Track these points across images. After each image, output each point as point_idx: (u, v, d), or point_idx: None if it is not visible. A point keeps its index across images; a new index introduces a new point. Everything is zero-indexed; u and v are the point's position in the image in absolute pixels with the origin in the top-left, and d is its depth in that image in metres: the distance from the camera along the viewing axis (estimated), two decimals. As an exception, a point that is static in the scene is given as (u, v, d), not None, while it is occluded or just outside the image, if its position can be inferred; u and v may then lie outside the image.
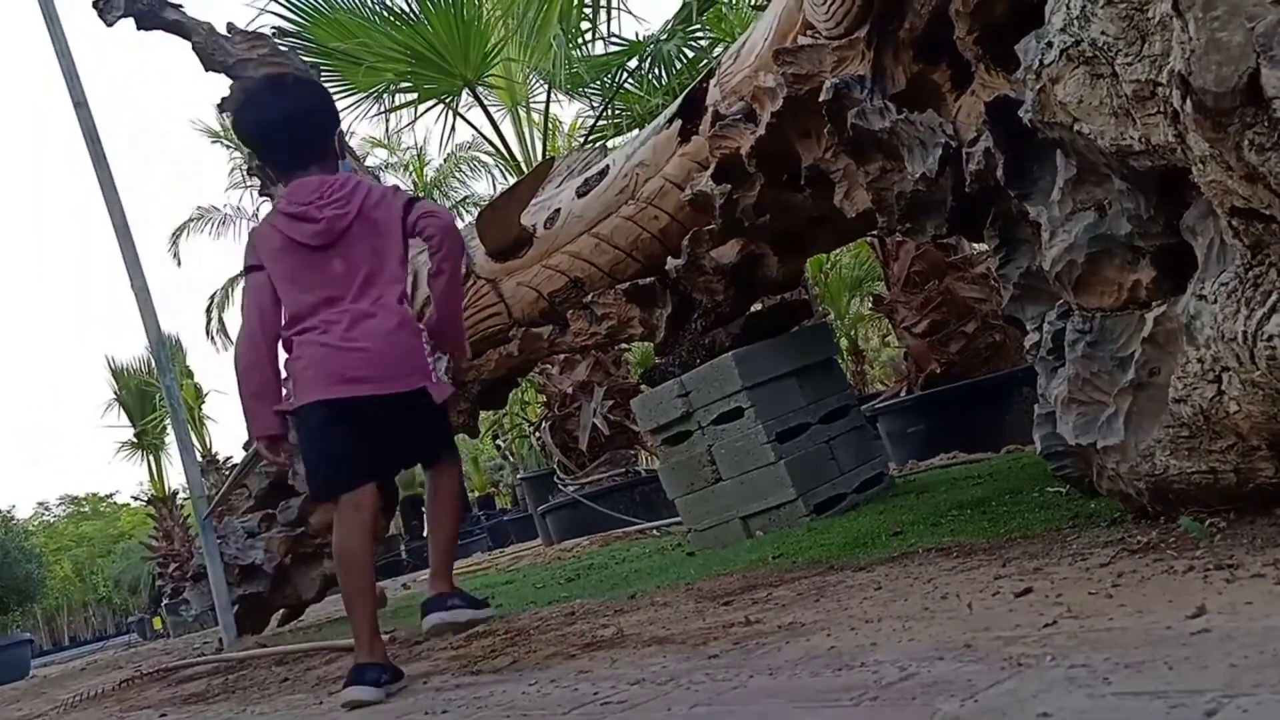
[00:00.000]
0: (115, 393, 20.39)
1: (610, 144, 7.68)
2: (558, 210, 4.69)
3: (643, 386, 4.81)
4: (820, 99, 3.09)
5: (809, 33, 3.40)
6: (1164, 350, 1.87)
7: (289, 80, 3.25)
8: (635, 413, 4.55)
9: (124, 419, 20.57)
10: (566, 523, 8.68)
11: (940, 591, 1.83)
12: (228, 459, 21.43)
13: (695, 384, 4.27)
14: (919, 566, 2.30)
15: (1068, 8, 1.72)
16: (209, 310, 17.10)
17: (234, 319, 18.44)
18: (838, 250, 13.33)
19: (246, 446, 5.67)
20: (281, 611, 5.81)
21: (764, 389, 4.16)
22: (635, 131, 4.75)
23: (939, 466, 5.12)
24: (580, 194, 4.64)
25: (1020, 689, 1.12)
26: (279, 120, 2.84)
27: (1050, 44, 1.81)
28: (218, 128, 15.66)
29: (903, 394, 6.29)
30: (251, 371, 2.78)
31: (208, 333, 17.37)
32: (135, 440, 20.34)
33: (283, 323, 2.76)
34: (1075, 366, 2.09)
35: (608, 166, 4.59)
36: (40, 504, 50.30)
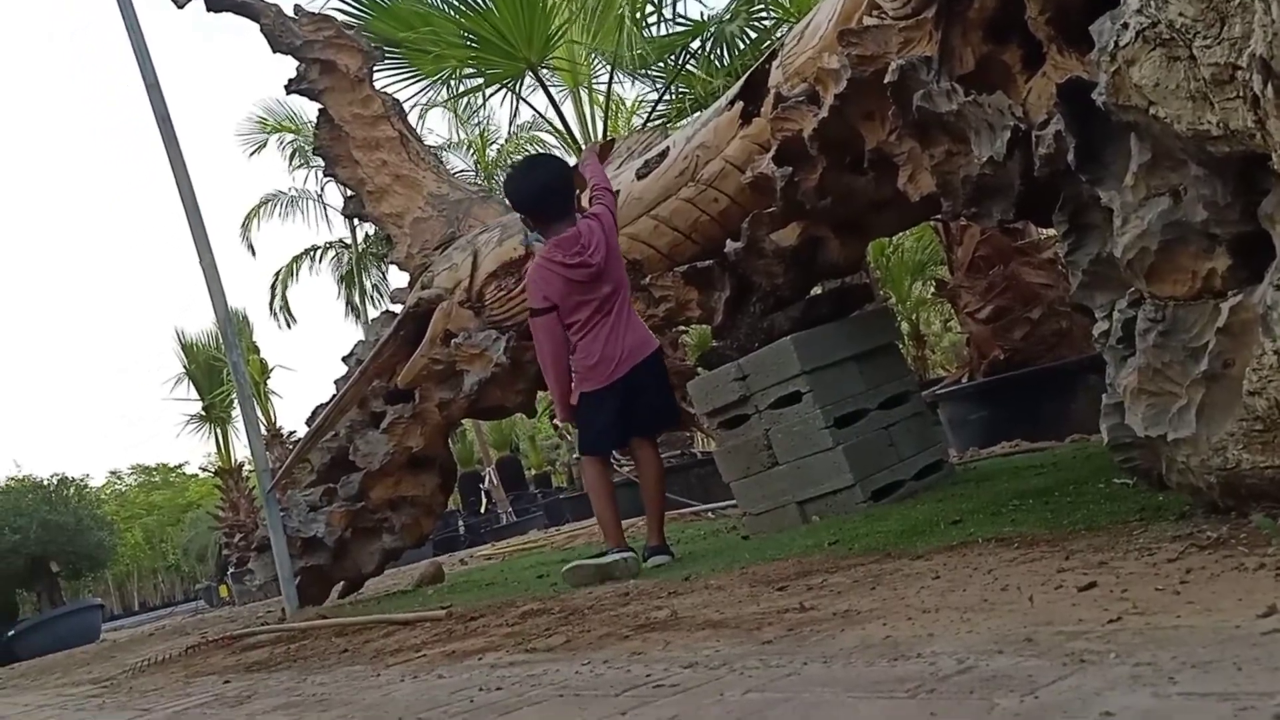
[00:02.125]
0: (184, 366, 20.81)
1: (671, 128, 7.64)
2: (617, 191, 4.68)
3: (700, 370, 4.79)
4: (885, 80, 3.04)
5: (875, 13, 3.35)
6: (1239, 341, 1.81)
7: (542, 160, 4.43)
8: (691, 395, 4.53)
9: (192, 392, 21.00)
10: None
11: (1000, 583, 1.80)
12: (291, 433, 21.82)
13: (753, 367, 4.25)
14: (978, 557, 2.26)
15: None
16: (273, 288, 17.39)
17: (297, 296, 18.73)
18: (900, 234, 13.17)
19: (309, 422, 5.77)
20: (342, 584, 5.91)
21: (823, 374, 4.13)
22: (697, 114, 4.72)
23: (1001, 455, 5.04)
24: (640, 176, 4.63)
25: (1082, 686, 1.09)
26: (542, 190, 4.08)
27: (1126, 25, 1.76)
28: (281, 112, 15.87)
29: (964, 380, 6.21)
30: (560, 381, 4.20)
31: (271, 310, 17.67)
32: (203, 413, 20.75)
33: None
34: (1146, 356, 2.03)
35: (668, 149, 4.57)
36: (112, 473, 51.75)
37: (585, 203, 4.31)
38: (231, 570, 19.88)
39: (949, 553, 2.48)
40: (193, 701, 3.19)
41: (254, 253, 17.41)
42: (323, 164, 5.75)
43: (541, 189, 4.06)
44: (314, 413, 5.88)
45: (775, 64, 3.98)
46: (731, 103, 4.22)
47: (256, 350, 19.94)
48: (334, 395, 5.61)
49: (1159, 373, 2.02)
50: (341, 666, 3.28)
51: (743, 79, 4.31)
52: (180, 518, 40.75)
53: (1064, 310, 5.86)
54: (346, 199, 5.82)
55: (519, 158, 15.45)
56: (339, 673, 3.09)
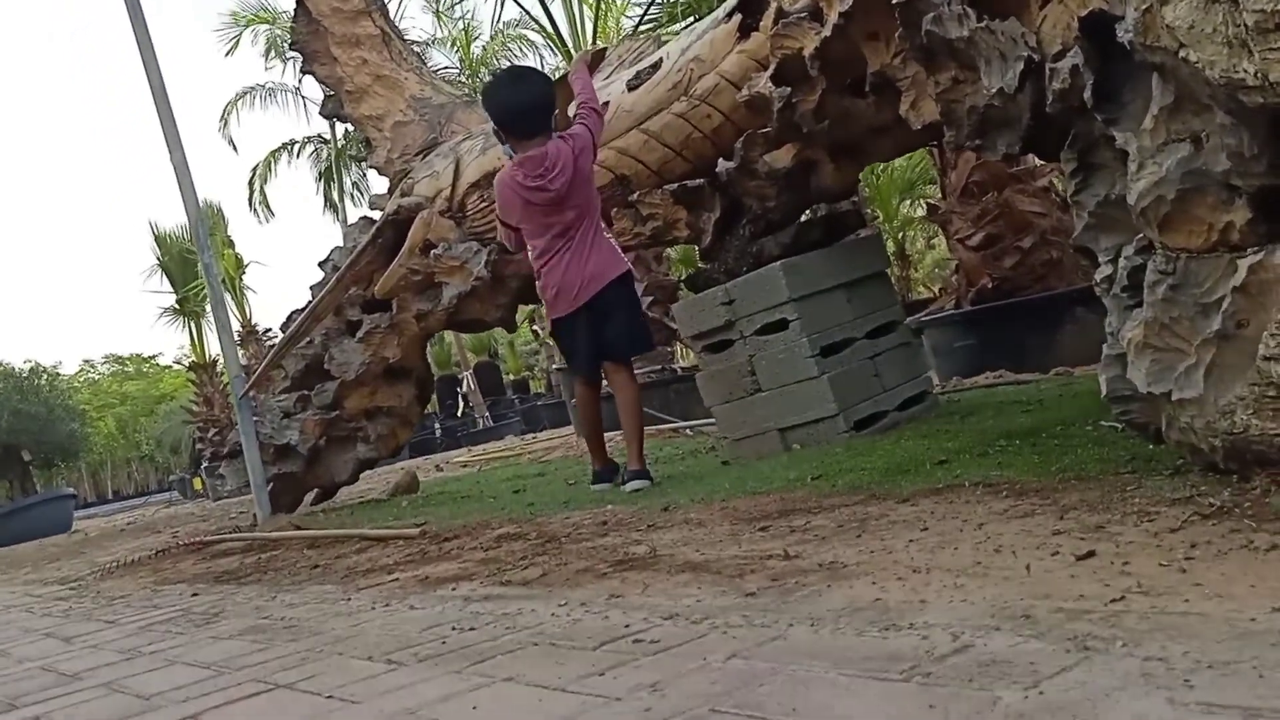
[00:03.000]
0: (158, 259, 20.49)
1: (664, 34, 7.38)
2: (606, 103, 4.51)
3: (684, 289, 4.70)
4: (894, 0, 2.89)
5: (886, -73, 3.18)
6: (1256, 301, 1.73)
7: (524, 74, 4.20)
8: (676, 317, 4.45)
9: (166, 285, 20.72)
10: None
11: (993, 543, 1.75)
12: (267, 330, 21.65)
13: (740, 292, 4.15)
14: (967, 505, 2.21)
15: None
16: (251, 183, 17.03)
17: (275, 191, 18.38)
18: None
19: (284, 327, 5.65)
20: (315, 492, 5.86)
21: (811, 301, 4.04)
22: (691, 21, 4.53)
23: (985, 386, 5.01)
24: (631, 87, 4.46)
25: (1090, 682, 1.04)
26: (518, 106, 3.94)
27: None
28: (254, 3, 15.32)
29: (951, 306, 6.14)
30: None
31: (250, 205, 17.33)
32: (177, 307, 20.51)
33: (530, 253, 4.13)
34: (1154, 310, 1.96)
35: (661, 60, 4.39)
36: (86, 361, 51.34)
37: (571, 114, 4.18)
38: (205, 465, 19.90)
39: (936, 497, 2.43)
40: (159, 615, 3.14)
41: (235, 148, 17.00)
42: (300, 60, 5.52)
43: (516, 105, 3.95)
44: (289, 318, 5.75)
45: (778, -24, 3.80)
46: (729, 15, 4.05)
47: (231, 245, 19.65)
48: (309, 302, 5.49)
49: (1166, 327, 1.94)
50: (312, 584, 3.24)
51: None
52: (154, 408, 40.60)
53: (1055, 240, 5.77)
54: (325, 98, 5.61)
55: (504, 60, 15.08)
56: (308, 592, 3.05)
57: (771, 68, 3.61)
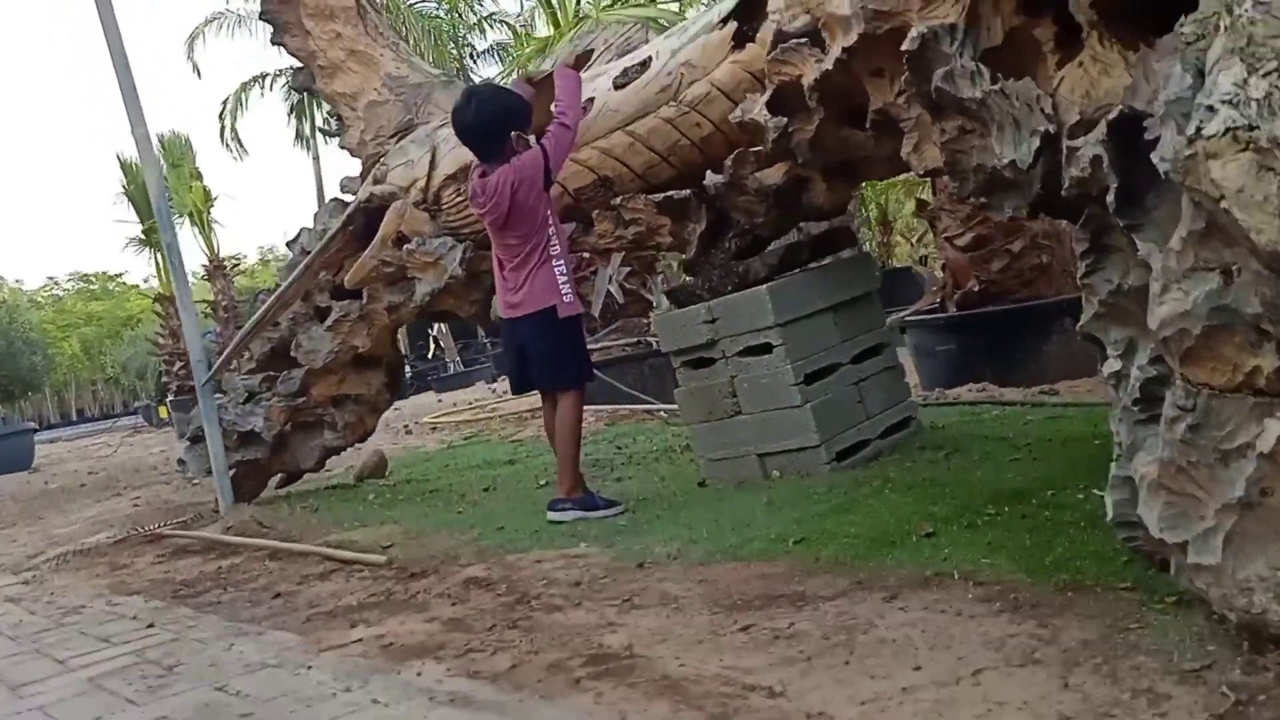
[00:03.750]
0: (124, 187, 19.97)
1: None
2: (591, 99, 4.31)
3: (664, 259, 4.54)
4: (903, 48, 2.72)
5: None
6: (1285, 471, 1.62)
7: (473, 100, 3.98)
8: (657, 331, 4.31)
9: (133, 214, 20.23)
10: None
11: (995, 716, 1.65)
12: (235, 264, 21.27)
13: (724, 312, 4.02)
14: (959, 620, 2.12)
15: (1243, 82, 1.39)
16: (221, 117, 16.55)
17: (247, 124, 17.92)
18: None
19: (251, 311, 5.46)
20: (279, 475, 5.72)
21: (797, 326, 3.92)
22: (683, 22, 4.31)
23: (967, 402, 4.91)
24: (618, 85, 4.26)
25: None
26: (465, 129, 3.97)
27: (1213, 110, 1.50)
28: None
29: (930, 306, 6.03)
30: None
31: (222, 140, 16.87)
32: (143, 237, 20.05)
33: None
34: (1171, 450, 1.84)
35: (650, 59, 4.19)
36: (50, 279, 50.38)
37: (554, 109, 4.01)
38: (171, 399, 19.65)
39: (924, 593, 2.34)
40: (112, 658, 3.01)
41: (199, 73, 16.45)
42: (270, 31, 5.24)
43: (464, 127, 3.97)
44: (256, 299, 5.56)
45: (778, -13, 3.60)
46: (724, 21, 3.84)
47: (199, 177, 19.14)
48: (277, 285, 5.29)
49: (1183, 471, 1.83)
50: (272, 626, 3.12)
51: (737, -7, 3.91)
52: (120, 331, 40.00)
53: (1046, 244, 5.65)
54: (295, 71, 5.36)
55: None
56: (268, 642, 2.93)
57: (768, 93, 3.42)
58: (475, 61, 17.89)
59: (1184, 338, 1.84)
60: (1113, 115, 2.00)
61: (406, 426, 9.63)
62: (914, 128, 3.01)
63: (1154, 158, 1.74)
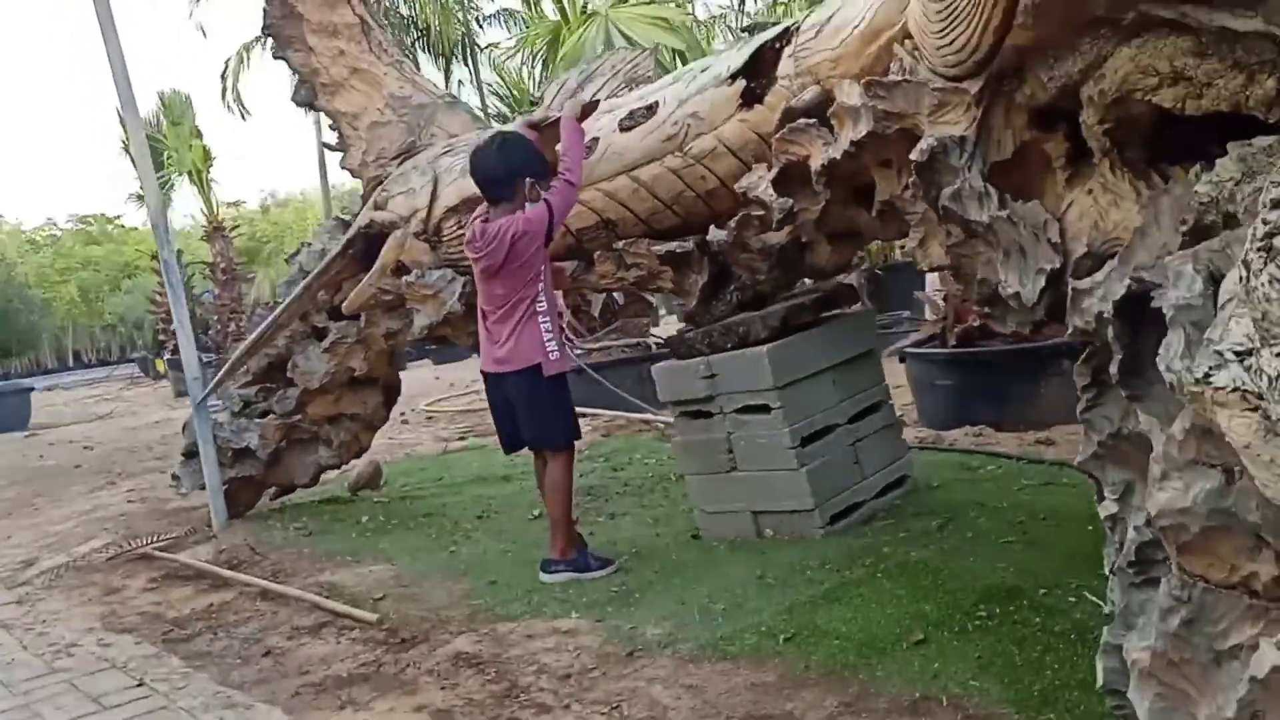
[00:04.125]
0: (123, 143, 19.80)
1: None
2: (596, 139, 4.25)
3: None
4: (912, 158, 2.68)
5: (906, 44, 2.93)
6: (1277, 699, 1.62)
7: (497, 142, 4.00)
8: (655, 378, 4.29)
9: (133, 170, 20.07)
10: (572, 387, 8.52)
11: None
12: (234, 226, 21.15)
13: (723, 369, 4.00)
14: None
15: (1255, 349, 1.37)
16: (224, 77, 16.35)
17: (248, 87, 17.71)
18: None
19: (246, 331, 5.42)
20: (274, 489, 5.72)
21: (795, 388, 3.91)
22: (690, 66, 4.23)
23: (963, 450, 4.91)
24: (623, 128, 4.19)
25: None
26: (479, 175, 3.97)
27: (1223, 359, 1.47)
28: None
29: (930, 336, 6.00)
30: None
31: (223, 100, 16.69)
32: (142, 195, 19.91)
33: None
34: (1164, 642, 1.84)
35: (656, 104, 4.12)
36: (49, 219, 50.13)
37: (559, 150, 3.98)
38: (169, 357, 19.63)
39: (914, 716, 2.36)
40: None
41: (204, 33, 16.25)
42: (272, 44, 5.16)
43: (477, 173, 3.98)
44: (251, 314, 5.52)
45: (788, 52, 3.54)
46: (733, 78, 3.77)
47: (199, 135, 18.99)
48: (277, 302, 5.26)
49: (1175, 666, 1.83)
50: (260, 694, 3.13)
51: (746, 47, 3.84)
52: (118, 278, 39.88)
53: (1048, 282, 5.61)
54: (296, 84, 5.27)
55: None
56: (254, 701, 2.94)
57: (774, 171, 3.38)
58: (482, 27, 17.66)
59: (1181, 531, 1.82)
60: (1120, 293, 1.96)
61: (403, 415, 9.62)
62: (921, 223, 2.98)
63: (1160, 364, 1.72)
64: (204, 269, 19.83)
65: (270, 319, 5.14)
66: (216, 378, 5.30)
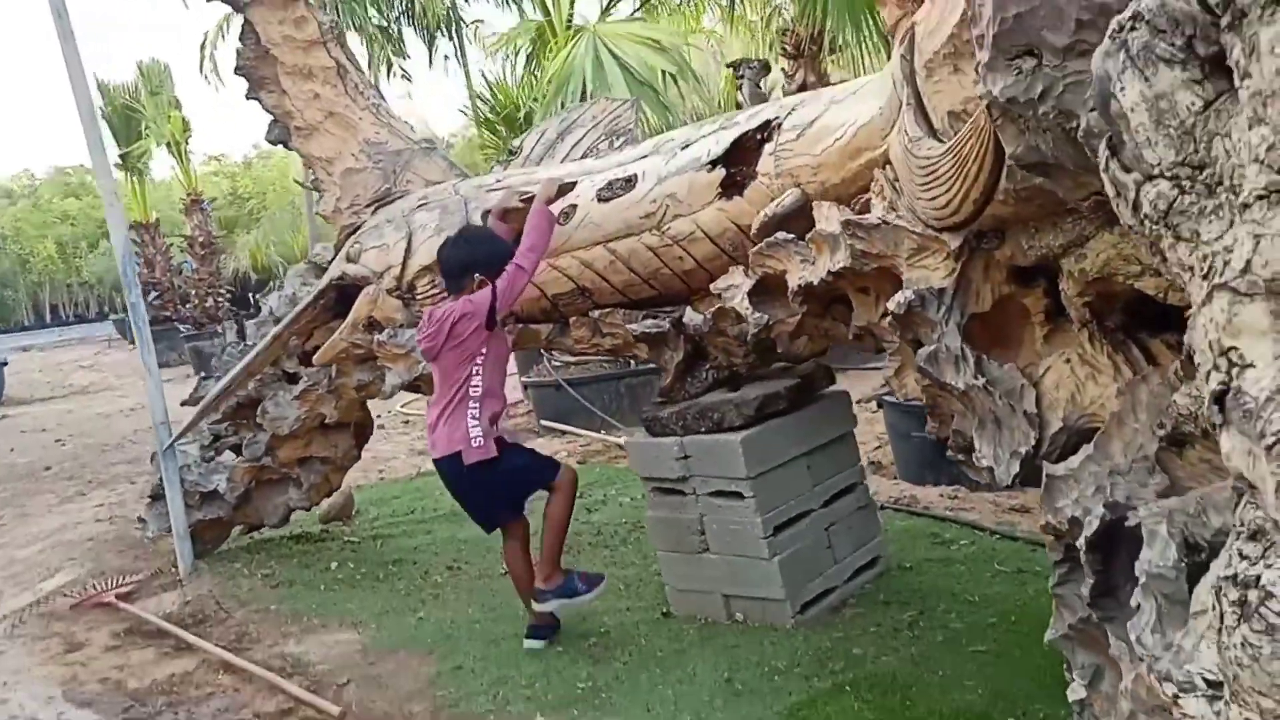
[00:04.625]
0: (101, 109, 19.43)
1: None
2: (574, 205, 4.17)
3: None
4: (889, 308, 2.62)
5: (889, 171, 2.86)
6: None
7: (460, 236, 4.07)
8: (628, 451, 4.24)
9: (112, 138, 19.74)
10: (550, 402, 8.49)
11: None
12: (213, 200, 20.86)
13: (696, 451, 3.96)
14: None
15: (1230, 691, 1.32)
16: (203, 47, 16.05)
17: (225, 58, 17.42)
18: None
19: (216, 377, 5.34)
20: (240, 526, 5.67)
21: (770, 475, 3.87)
22: (671, 134, 4.13)
23: (936, 516, 4.89)
24: (602, 198, 4.11)
25: None
26: (443, 268, 4.03)
27: (1193, 685, 1.43)
28: None
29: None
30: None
31: (201, 71, 16.39)
32: (120, 162, 19.61)
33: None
34: None
35: (635, 177, 4.03)
36: (25, 170, 49.32)
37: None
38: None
39: None
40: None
41: (185, 4, 15.92)
42: (245, 84, 5.02)
43: (443, 269, 4.04)
44: (223, 352, 5.44)
45: (769, 149, 3.46)
46: (713, 164, 3.69)
47: (178, 105, 18.67)
48: (250, 345, 5.17)
49: None
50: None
51: (729, 126, 3.76)
52: (97, 237, 39.36)
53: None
54: (270, 123, 5.14)
55: None
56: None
57: (750, 283, 3.31)
58: (468, 1, 17.34)
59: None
60: (1093, 528, 1.92)
61: (379, 418, 9.54)
62: (898, 353, 2.93)
63: (1130, 632, 1.68)
64: (183, 242, 19.60)
65: (241, 365, 5.05)
66: (185, 425, 5.21)
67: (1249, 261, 1.19)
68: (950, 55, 2.41)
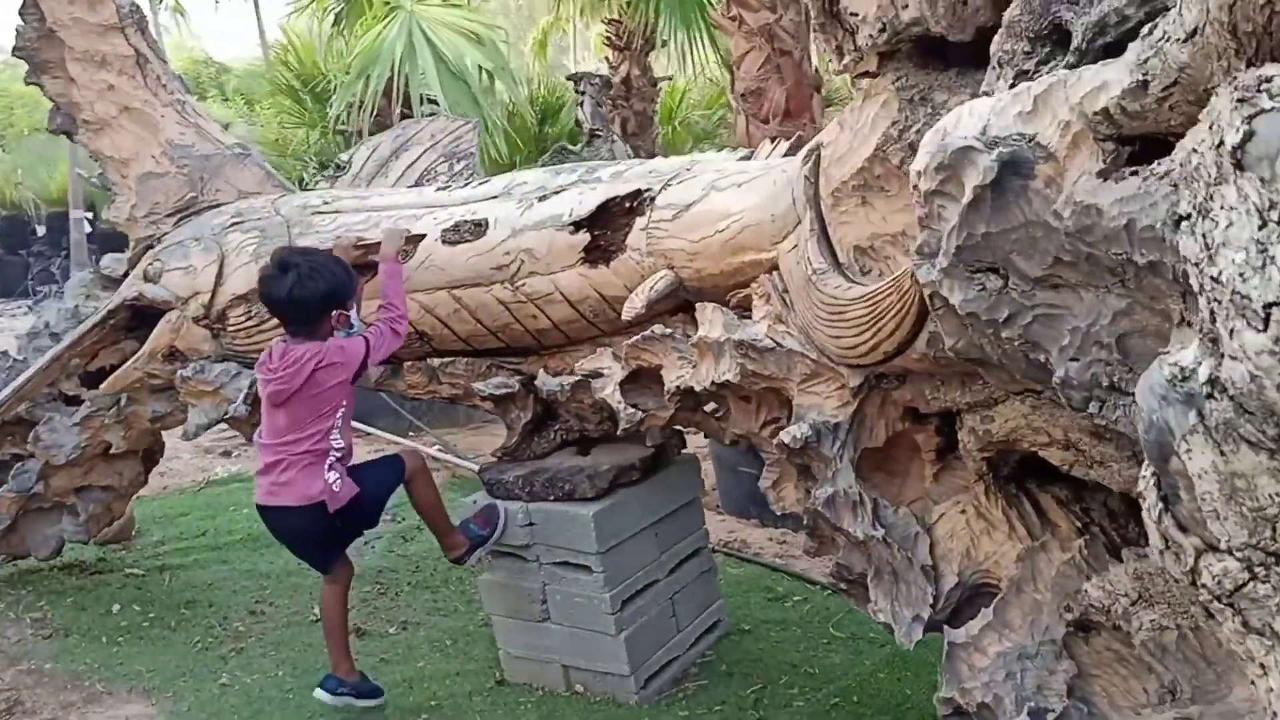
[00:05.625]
0: None
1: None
2: (421, 237, 3.85)
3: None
4: (783, 441, 2.50)
5: (778, 279, 2.74)
6: None
7: (302, 268, 3.41)
8: (466, 512, 3.98)
9: None
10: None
11: None
12: None
13: (543, 520, 3.76)
14: None
15: None
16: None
17: None
18: (686, 97, 12.46)
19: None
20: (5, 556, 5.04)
21: (618, 549, 3.73)
22: (527, 185, 3.84)
23: (767, 565, 4.89)
24: (447, 240, 3.81)
25: None
26: (282, 303, 3.45)
27: None
28: None
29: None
30: None
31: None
32: None
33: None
34: None
35: (485, 222, 3.75)
36: None
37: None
38: None
39: None
40: None
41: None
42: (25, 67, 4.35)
43: (281, 303, 3.46)
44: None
45: (640, 224, 3.27)
46: (576, 227, 3.47)
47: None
48: (15, 370, 4.54)
49: None
50: None
51: (593, 191, 3.54)
52: None
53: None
54: (52, 111, 4.49)
55: None
56: None
57: (623, 374, 3.13)
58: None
59: None
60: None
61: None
62: (776, 464, 2.82)
63: None
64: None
65: (11, 388, 4.43)
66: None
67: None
68: (859, 187, 2.31)
